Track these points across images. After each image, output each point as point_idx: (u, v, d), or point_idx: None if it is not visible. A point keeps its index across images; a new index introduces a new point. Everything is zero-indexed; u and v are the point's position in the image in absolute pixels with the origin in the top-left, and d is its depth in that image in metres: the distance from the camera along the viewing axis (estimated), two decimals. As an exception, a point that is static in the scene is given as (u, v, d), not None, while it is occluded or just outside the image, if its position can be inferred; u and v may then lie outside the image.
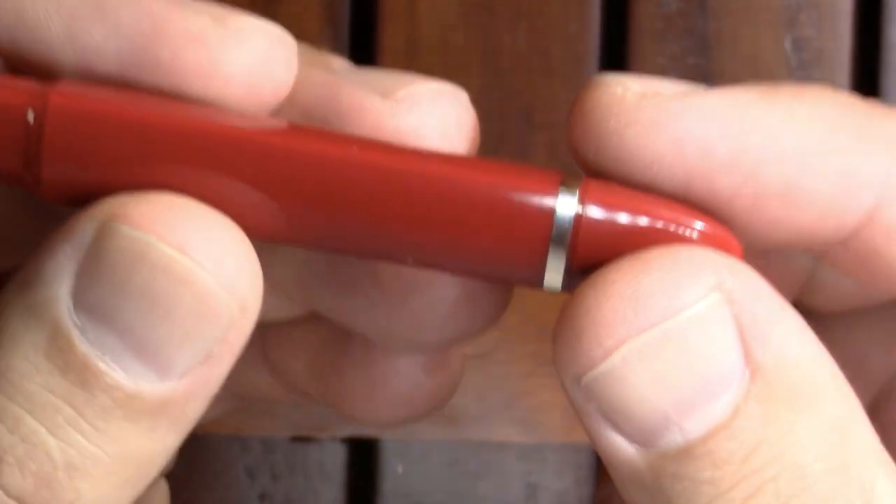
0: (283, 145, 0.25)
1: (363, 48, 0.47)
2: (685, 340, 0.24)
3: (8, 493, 0.24)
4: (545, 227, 0.25)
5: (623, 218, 0.25)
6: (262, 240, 0.25)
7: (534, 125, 0.47)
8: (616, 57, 0.47)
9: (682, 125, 0.25)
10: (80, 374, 0.24)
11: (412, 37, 0.47)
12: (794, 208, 0.25)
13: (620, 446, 0.25)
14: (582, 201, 0.25)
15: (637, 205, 0.25)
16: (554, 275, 0.25)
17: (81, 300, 0.24)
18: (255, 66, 0.26)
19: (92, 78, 0.25)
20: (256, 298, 0.24)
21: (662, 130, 0.25)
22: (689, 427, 0.24)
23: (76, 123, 0.25)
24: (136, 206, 0.24)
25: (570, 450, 0.47)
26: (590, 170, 0.26)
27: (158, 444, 0.25)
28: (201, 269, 0.24)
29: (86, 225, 0.24)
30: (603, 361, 0.24)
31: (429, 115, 0.26)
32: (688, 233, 0.25)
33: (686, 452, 0.24)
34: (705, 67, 0.46)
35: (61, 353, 0.24)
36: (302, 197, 0.25)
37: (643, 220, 0.25)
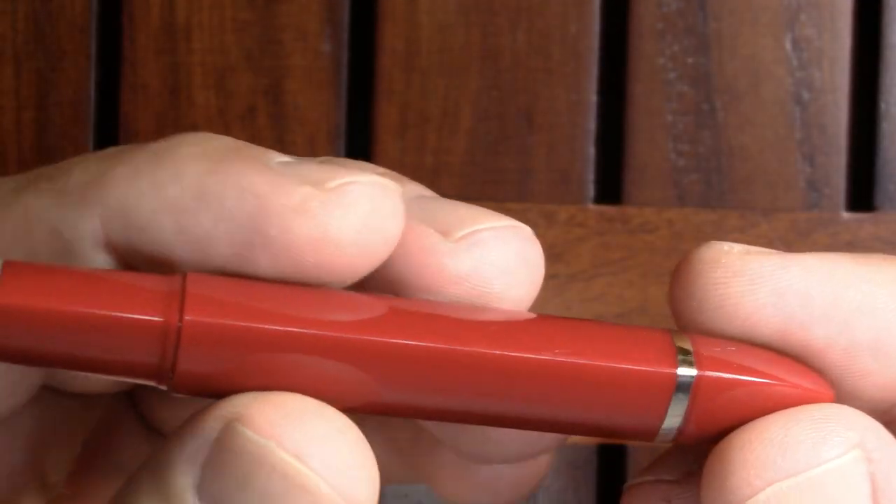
0: (398, 343, 0.26)
1: (363, 48, 0.47)
2: (825, 490, 0.26)
3: None
4: (664, 397, 0.27)
5: (737, 378, 0.27)
6: (367, 413, 0.27)
7: (534, 125, 0.47)
8: (616, 57, 0.47)
9: (784, 277, 0.27)
10: None
11: (412, 37, 0.47)
12: (884, 361, 0.27)
13: None
14: (700, 368, 0.27)
15: (748, 363, 0.27)
16: (667, 433, 0.27)
17: (206, 492, 0.25)
18: (364, 225, 0.26)
19: (208, 266, 0.26)
20: (374, 494, 0.26)
21: (766, 281, 0.27)
22: None
23: (209, 338, 0.25)
24: (259, 409, 0.25)
25: (570, 450, 0.47)
26: (686, 323, 0.27)
27: None
28: (317, 476, 0.25)
29: (212, 423, 0.25)
30: (748, 501, 0.26)
31: (489, 253, 0.27)
32: (797, 391, 0.27)
33: None
34: (705, 67, 0.46)
35: None
36: (411, 384, 0.26)
37: (755, 380, 0.27)
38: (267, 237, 0.26)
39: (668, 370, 0.26)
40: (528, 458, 0.30)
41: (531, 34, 0.47)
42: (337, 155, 0.47)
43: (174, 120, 0.47)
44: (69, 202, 0.27)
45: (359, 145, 0.48)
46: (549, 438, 0.29)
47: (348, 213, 0.26)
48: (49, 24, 0.47)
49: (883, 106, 0.46)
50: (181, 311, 0.25)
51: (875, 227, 0.46)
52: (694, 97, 0.46)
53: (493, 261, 0.27)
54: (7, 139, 0.47)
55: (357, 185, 0.26)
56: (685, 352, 0.27)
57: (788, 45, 0.46)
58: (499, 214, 0.28)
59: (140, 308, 0.25)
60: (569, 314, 0.36)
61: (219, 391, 0.26)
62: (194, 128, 0.47)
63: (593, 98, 0.47)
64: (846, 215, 0.46)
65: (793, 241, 0.46)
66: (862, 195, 0.47)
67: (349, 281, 0.27)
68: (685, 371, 0.26)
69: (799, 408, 0.26)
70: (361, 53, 0.47)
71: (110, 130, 0.47)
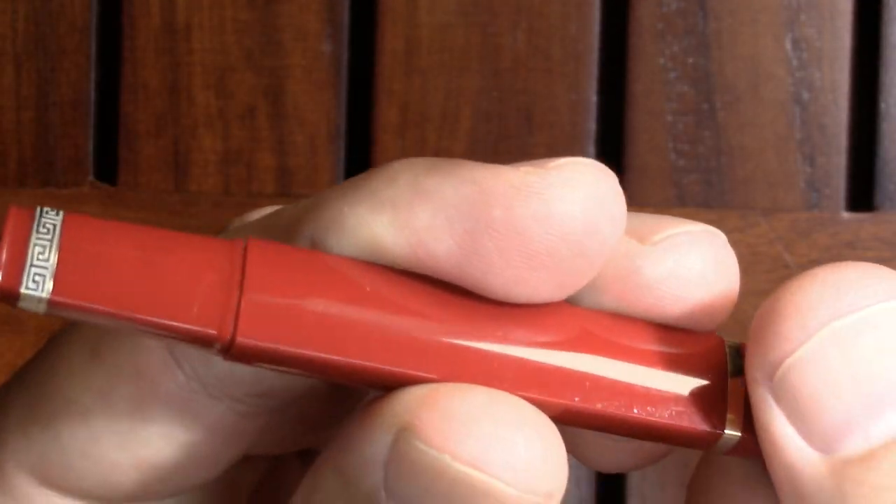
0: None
1: (363, 48, 0.47)
2: (883, 329, 0.25)
3: None
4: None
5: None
6: None
7: (534, 125, 0.47)
8: (616, 57, 0.47)
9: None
10: None
11: (412, 37, 0.47)
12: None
13: (804, 453, 0.25)
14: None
15: None
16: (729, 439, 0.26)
17: (393, 494, 0.25)
18: (588, 200, 0.25)
19: (427, 265, 0.26)
20: (562, 481, 0.25)
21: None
22: (875, 431, 0.25)
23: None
24: (429, 418, 0.25)
25: (570, 450, 0.47)
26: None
27: None
28: (500, 480, 0.24)
29: (386, 428, 0.25)
30: (803, 345, 0.25)
31: (686, 257, 0.27)
32: None
33: (870, 457, 0.25)
34: (705, 67, 0.46)
35: None
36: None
37: None
38: (490, 220, 0.25)
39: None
40: (637, 467, 0.29)
41: (531, 34, 0.47)
42: (337, 155, 0.47)
43: (174, 120, 0.47)
44: (292, 226, 0.27)
45: (359, 145, 0.48)
46: (655, 451, 0.29)
47: (573, 190, 0.25)
48: (49, 24, 0.47)
49: (883, 106, 0.46)
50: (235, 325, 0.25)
51: (875, 227, 0.46)
52: (694, 97, 0.46)
53: (691, 265, 0.27)
54: (7, 139, 0.47)
55: (578, 164, 0.26)
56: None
57: (788, 45, 0.46)
58: (691, 220, 0.27)
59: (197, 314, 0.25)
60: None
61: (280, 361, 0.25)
62: (194, 128, 0.47)
63: (593, 98, 0.47)
64: (846, 215, 0.46)
65: (793, 241, 0.46)
66: (862, 195, 0.47)
67: (579, 278, 0.26)
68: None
69: (840, 263, 0.25)
70: (361, 53, 0.47)
71: (110, 130, 0.47)
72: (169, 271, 0.25)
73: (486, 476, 0.24)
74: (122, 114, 0.47)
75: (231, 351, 0.25)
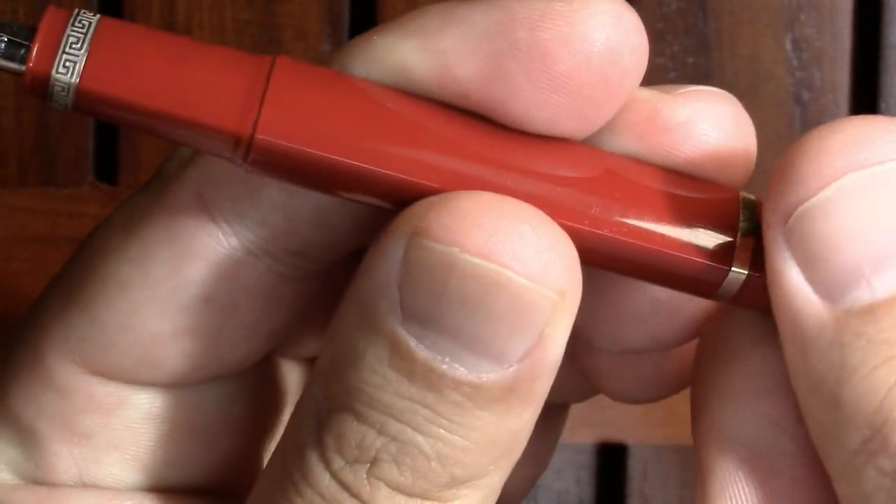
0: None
1: (363, 48, 0.47)
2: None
3: (390, 486, 0.26)
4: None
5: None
6: None
7: (534, 125, 0.47)
8: (616, 57, 0.47)
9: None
10: (426, 378, 0.25)
11: (412, 37, 0.47)
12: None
13: (810, 299, 0.25)
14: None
15: None
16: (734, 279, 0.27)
17: (409, 311, 0.25)
18: (611, 28, 0.26)
19: (452, 88, 0.26)
20: (574, 278, 0.25)
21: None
22: (879, 286, 0.25)
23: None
24: (437, 217, 0.25)
25: (571, 450, 0.47)
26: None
27: (516, 423, 0.26)
28: (508, 269, 0.25)
29: (395, 243, 0.25)
30: (819, 192, 0.25)
31: (704, 106, 0.27)
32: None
33: (870, 311, 0.25)
34: (705, 67, 0.46)
35: (405, 363, 0.25)
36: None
37: None
38: (515, 41, 0.26)
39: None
40: (658, 347, 0.30)
41: (531, 34, 0.47)
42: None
43: (174, 120, 0.47)
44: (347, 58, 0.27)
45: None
46: (671, 329, 0.29)
47: (596, 15, 0.26)
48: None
49: (883, 106, 0.46)
50: (255, 124, 0.25)
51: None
52: (694, 97, 0.46)
53: (710, 113, 0.27)
54: (7, 139, 0.47)
55: (604, 0, 0.26)
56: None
57: (788, 45, 0.46)
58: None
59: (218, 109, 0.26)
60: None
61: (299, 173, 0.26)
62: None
63: (593, 98, 0.47)
64: (846, 215, 0.46)
65: (793, 241, 0.46)
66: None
67: (600, 108, 0.26)
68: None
69: (869, 116, 0.26)
70: (361, 53, 0.47)
71: (110, 130, 0.47)
72: (197, 72, 0.26)
73: (496, 266, 0.25)
74: (122, 114, 0.47)
75: (250, 152, 0.25)
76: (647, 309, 0.29)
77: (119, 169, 0.47)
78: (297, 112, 0.26)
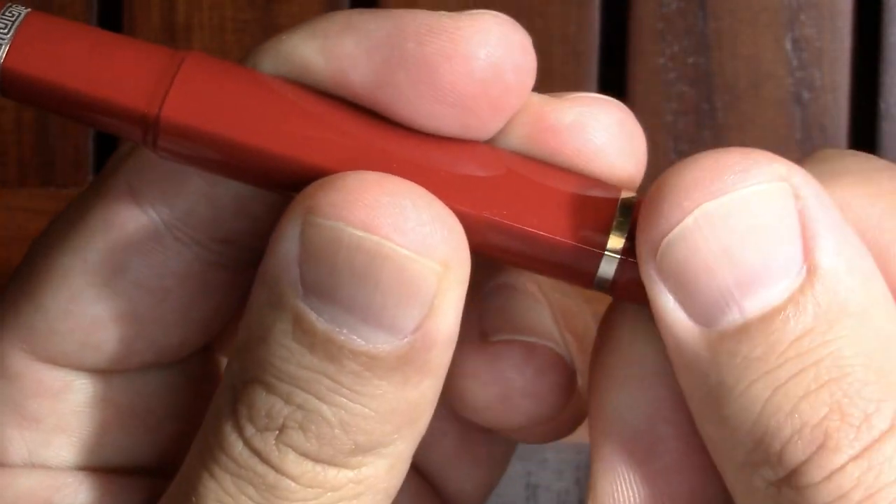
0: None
1: (363, 48, 0.47)
2: (752, 211, 0.26)
3: (298, 452, 0.27)
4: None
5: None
6: None
7: (534, 125, 0.47)
8: (616, 57, 0.47)
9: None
10: (326, 350, 0.27)
11: (412, 37, 0.47)
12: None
13: (685, 325, 0.27)
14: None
15: None
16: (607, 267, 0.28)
17: (308, 286, 0.27)
18: (494, 47, 0.27)
19: (348, 89, 0.28)
20: (458, 250, 0.27)
21: None
22: (748, 306, 0.26)
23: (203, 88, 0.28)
24: (324, 195, 0.26)
25: (570, 450, 0.47)
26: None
27: (414, 392, 0.27)
28: (390, 241, 0.26)
29: (293, 221, 0.27)
30: (679, 223, 0.26)
31: (592, 110, 0.29)
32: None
33: (743, 330, 0.26)
34: (705, 67, 0.46)
35: (306, 336, 0.27)
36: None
37: None
38: (403, 52, 0.27)
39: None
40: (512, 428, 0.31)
41: (531, 34, 0.47)
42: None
43: (174, 120, 0.47)
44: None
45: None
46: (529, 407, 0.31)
47: (480, 33, 0.27)
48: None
49: (883, 106, 0.46)
50: (160, 106, 0.28)
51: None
52: (694, 97, 0.46)
53: (595, 116, 0.28)
54: (7, 139, 0.47)
55: (491, 15, 0.28)
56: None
57: (788, 45, 0.46)
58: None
59: (126, 93, 0.28)
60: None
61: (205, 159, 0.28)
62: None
63: (593, 98, 0.47)
64: (846, 215, 0.46)
65: (793, 241, 0.46)
66: (862, 195, 0.46)
67: (483, 121, 0.28)
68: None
69: (727, 148, 0.27)
70: (361, 53, 0.47)
71: (110, 130, 0.47)
72: (114, 59, 0.28)
73: (378, 237, 0.26)
74: (122, 114, 0.47)
75: (157, 132, 0.28)
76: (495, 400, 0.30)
77: (119, 169, 0.47)
78: (202, 96, 0.28)
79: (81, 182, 0.47)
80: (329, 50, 0.28)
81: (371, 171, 0.27)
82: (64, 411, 0.31)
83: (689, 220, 0.26)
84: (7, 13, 0.28)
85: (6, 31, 0.28)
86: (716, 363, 0.26)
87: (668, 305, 0.27)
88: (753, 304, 0.26)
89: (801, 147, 0.46)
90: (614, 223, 0.28)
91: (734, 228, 0.26)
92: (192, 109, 0.28)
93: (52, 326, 0.30)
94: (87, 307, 0.30)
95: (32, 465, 0.31)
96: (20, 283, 0.31)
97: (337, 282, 0.26)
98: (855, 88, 0.46)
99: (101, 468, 0.31)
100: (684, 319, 0.27)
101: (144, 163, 0.30)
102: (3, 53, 0.28)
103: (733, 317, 0.26)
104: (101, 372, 0.31)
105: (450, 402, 0.30)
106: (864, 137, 0.47)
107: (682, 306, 0.27)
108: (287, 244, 0.27)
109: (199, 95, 0.28)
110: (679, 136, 0.46)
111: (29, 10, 0.28)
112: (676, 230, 0.26)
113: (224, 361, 0.34)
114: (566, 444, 0.47)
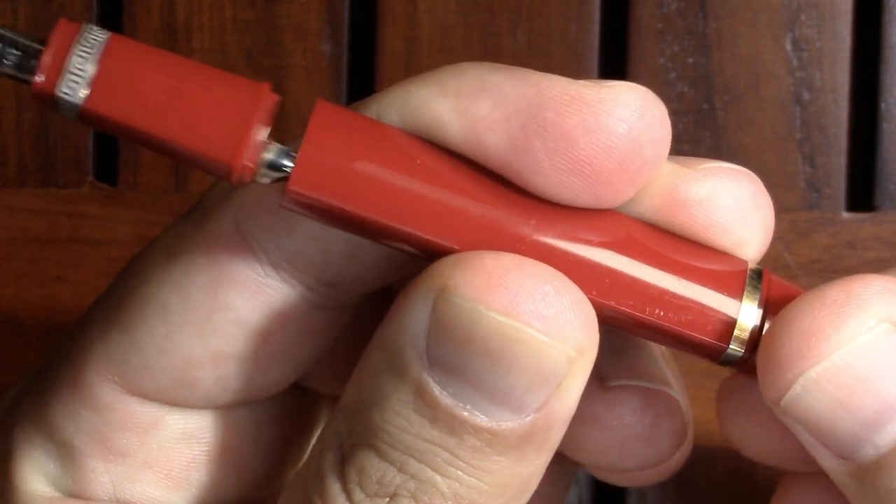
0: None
1: (363, 48, 0.47)
2: (857, 368, 0.27)
3: None
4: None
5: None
6: None
7: (534, 125, 0.47)
8: (616, 57, 0.47)
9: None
10: (447, 424, 0.27)
11: (412, 37, 0.47)
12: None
13: (828, 459, 0.28)
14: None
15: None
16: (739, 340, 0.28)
17: (435, 360, 0.26)
18: (634, 120, 0.27)
19: (480, 153, 0.27)
20: (592, 336, 0.27)
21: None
22: (880, 441, 0.27)
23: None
24: (462, 275, 0.26)
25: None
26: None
27: (529, 468, 0.27)
28: (530, 328, 0.26)
29: (425, 296, 0.26)
30: (788, 391, 0.27)
31: (724, 184, 0.29)
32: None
33: (879, 463, 0.27)
34: (705, 67, 0.46)
35: (428, 408, 0.27)
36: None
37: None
38: (542, 121, 0.27)
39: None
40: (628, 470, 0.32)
41: (531, 34, 0.47)
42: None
43: (174, 120, 0.47)
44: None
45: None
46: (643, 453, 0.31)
47: (621, 106, 0.27)
48: (49, 24, 0.47)
49: (883, 106, 0.46)
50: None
51: (875, 227, 0.46)
52: (694, 97, 0.46)
53: (728, 191, 0.28)
54: (7, 139, 0.47)
55: (631, 87, 0.27)
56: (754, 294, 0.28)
57: (788, 45, 0.46)
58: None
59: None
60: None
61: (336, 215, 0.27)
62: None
63: (593, 98, 0.47)
64: (846, 215, 0.46)
65: (793, 241, 0.46)
66: (862, 195, 0.46)
67: (616, 193, 0.27)
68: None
69: (825, 289, 0.27)
70: (361, 53, 0.47)
71: (110, 130, 0.47)
72: (198, 100, 0.26)
73: (519, 324, 0.26)
74: (122, 114, 0.47)
75: (285, 193, 0.27)
76: (617, 442, 0.31)
77: (119, 169, 0.47)
78: (329, 163, 0.27)
79: (81, 182, 0.47)
80: (463, 111, 0.27)
81: (508, 253, 0.27)
82: (152, 447, 0.30)
83: (797, 388, 0.27)
84: (86, 41, 0.26)
85: (84, 65, 0.26)
86: (862, 492, 0.27)
87: (809, 440, 0.27)
88: (884, 439, 0.27)
89: (801, 147, 0.46)
90: (741, 305, 0.28)
91: (843, 385, 0.27)
92: (320, 180, 0.27)
93: (146, 362, 0.29)
94: (184, 345, 0.29)
95: (117, 501, 0.30)
96: (112, 311, 0.30)
97: (468, 360, 0.26)
98: (855, 88, 0.46)
99: None
100: (827, 455, 0.27)
101: (254, 200, 0.29)
102: (81, 94, 0.26)
103: (868, 452, 0.27)
104: (191, 408, 0.30)
105: (562, 445, 0.30)
106: (864, 137, 0.47)
107: (822, 445, 0.27)
108: (416, 316, 0.26)
109: (326, 165, 0.27)
110: (679, 137, 0.46)
111: (109, 35, 0.26)
112: (787, 397, 0.27)
113: (308, 396, 0.34)
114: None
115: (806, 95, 0.46)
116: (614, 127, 0.27)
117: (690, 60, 0.46)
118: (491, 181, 0.27)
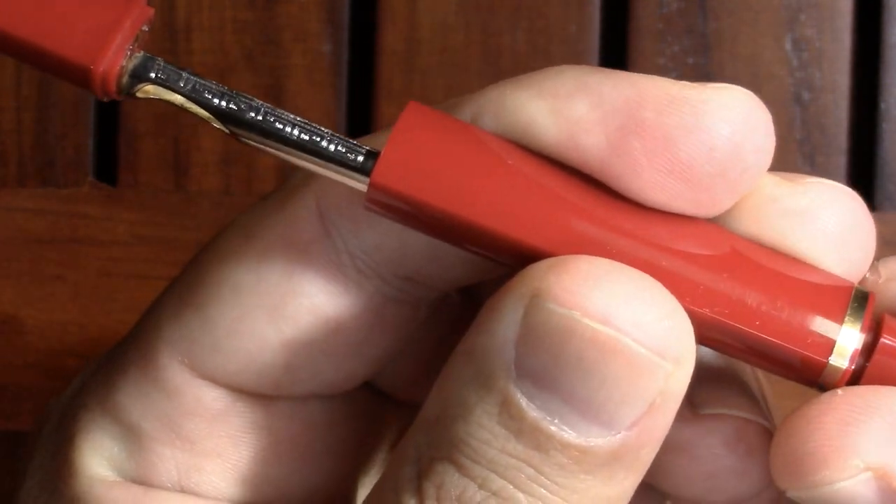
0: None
1: (363, 48, 0.47)
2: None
3: None
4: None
5: None
6: None
7: (534, 125, 0.47)
8: (616, 57, 0.47)
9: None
10: (533, 438, 0.25)
11: (412, 37, 0.47)
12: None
13: None
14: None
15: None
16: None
17: (523, 370, 0.25)
18: (738, 124, 0.26)
19: (576, 156, 0.27)
20: (689, 348, 0.25)
21: None
22: None
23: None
24: (557, 279, 0.25)
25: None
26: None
27: (618, 489, 0.26)
28: (627, 337, 0.25)
29: (516, 302, 0.25)
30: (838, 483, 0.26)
31: (826, 198, 0.27)
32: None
33: None
34: (705, 67, 0.46)
35: (514, 421, 0.25)
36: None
37: None
38: (641, 121, 0.26)
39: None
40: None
41: (531, 34, 0.47)
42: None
43: (174, 120, 0.47)
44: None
45: (359, 145, 0.48)
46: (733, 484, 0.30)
47: (725, 109, 0.26)
48: None
49: (883, 106, 0.46)
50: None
51: (875, 226, 0.46)
52: (694, 97, 0.46)
53: (830, 205, 0.27)
54: (7, 139, 0.47)
55: (736, 90, 0.26)
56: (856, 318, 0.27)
57: (788, 45, 0.46)
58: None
59: None
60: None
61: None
62: (194, 127, 0.47)
63: (593, 98, 0.47)
64: (846, 215, 0.46)
65: (793, 241, 0.46)
66: (862, 195, 0.46)
67: (715, 199, 0.27)
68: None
69: (822, 404, 0.26)
70: (361, 53, 0.47)
71: (110, 130, 0.47)
72: (66, 5, 0.26)
73: (616, 333, 0.25)
74: (122, 114, 0.47)
75: (366, 193, 0.26)
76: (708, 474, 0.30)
77: (119, 169, 0.47)
78: (418, 159, 0.26)
79: (81, 182, 0.47)
80: (560, 112, 0.27)
81: (603, 258, 0.25)
82: (221, 435, 0.29)
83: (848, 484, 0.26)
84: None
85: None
86: None
87: None
88: None
89: (801, 147, 0.46)
90: (842, 327, 0.27)
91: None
92: (407, 175, 0.26)
93: (218, 343, 0.29)
94: (257, 327, 0.29)
95: (181, 489, 0.30)
96: (184, 291, 0.29)
97: (559, 371, 0.25)
98: (855, 88, 0.46)
99: (251, 502, 0.30)
100: None
101: (338, 186, 0.28)
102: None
103: None
104: (261, 397, 0.30)
105: (647, 473, 0.29)
106: (864, 137, 0.47)
107: None
108: (505, 323, 0.25)
109: (415, 159, 0.26)
110: (679, 136, 0.46)
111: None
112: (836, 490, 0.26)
113: (380, 399, 0.33)
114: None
115: (806, 95, 0.46)
116: (717, 128, 0.26)
117: (690, 60, 0.46)
118: (585, 185, 0.27)
